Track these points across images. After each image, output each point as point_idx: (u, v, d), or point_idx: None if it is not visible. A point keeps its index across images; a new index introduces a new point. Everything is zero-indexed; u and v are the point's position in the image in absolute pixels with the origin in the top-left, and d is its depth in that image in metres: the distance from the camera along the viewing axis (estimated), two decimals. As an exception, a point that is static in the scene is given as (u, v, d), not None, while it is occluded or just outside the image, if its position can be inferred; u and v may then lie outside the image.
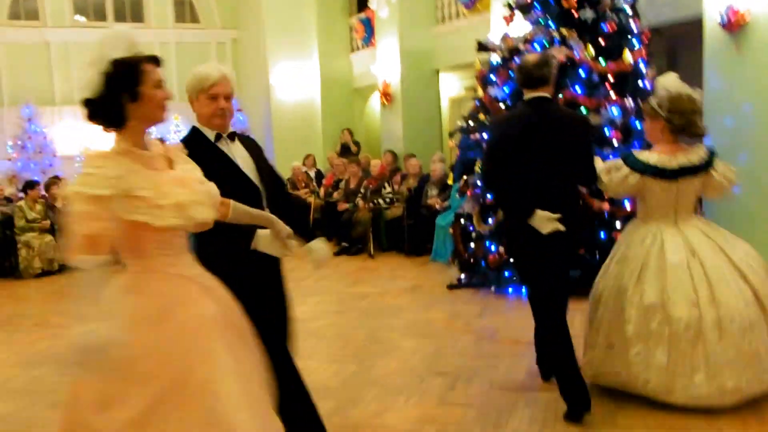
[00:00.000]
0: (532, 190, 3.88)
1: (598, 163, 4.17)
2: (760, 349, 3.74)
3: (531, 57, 4.04)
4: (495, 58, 7.11)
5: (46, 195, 10.52)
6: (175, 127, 13.97)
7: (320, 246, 3.30)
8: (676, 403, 3.71)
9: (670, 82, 4.05)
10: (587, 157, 4.02)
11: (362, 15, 13.39)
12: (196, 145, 2.92)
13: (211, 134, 3.08)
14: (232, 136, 3.15)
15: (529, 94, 3.93)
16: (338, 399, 4.30)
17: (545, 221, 3.76)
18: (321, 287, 7.78)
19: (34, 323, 7.00)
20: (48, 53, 13.97)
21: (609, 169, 4.07)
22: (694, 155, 3.92)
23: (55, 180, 10.82)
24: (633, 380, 3.85)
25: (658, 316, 3.77)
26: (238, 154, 3.11)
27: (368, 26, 13.13)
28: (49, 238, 9.80)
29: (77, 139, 13.18)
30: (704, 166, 3.91)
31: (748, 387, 3.70)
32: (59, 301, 8.08)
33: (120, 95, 2.27)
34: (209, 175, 2.49)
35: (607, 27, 6.68)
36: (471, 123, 7.09)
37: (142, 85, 2.29)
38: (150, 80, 2.32)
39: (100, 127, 2.34)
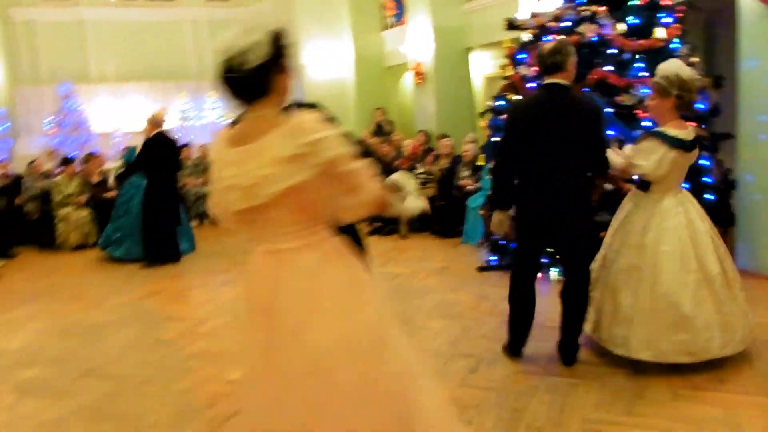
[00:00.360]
0: (536, 179, 4.16)
1: (614, 156, 4.28)
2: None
3: (547, 44, 4.24)
4: (525, 36, 7.02)
5: (82, 170, 10.71)
6: (211, 104, 14.10)
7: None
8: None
9: (676, 64, 4.27)
10: (598, 147, 4.14)
11: (393, -8, 13.32)
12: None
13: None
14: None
15: (546, 80, 4.18)
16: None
17: (497, 223, 4.36)
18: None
19: (70, 295, 7.17)
20: (83, 31, 14.18)
21: (637, 155, 4.16)
22: (692, 130, 4.19)
23: (91, 156, 11.00)
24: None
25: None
26: None
27: (399, 3, 13.04)
28: (85, 212, 9.99)
29: (112, 117, 13.43)
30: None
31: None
32: (94, 273, 8.31)
33: (275, 65, 2.26)
34: None
35: (638, 2, 6.52)
36: (501, 102, 7.01)
37: (287, 57, 2.31)
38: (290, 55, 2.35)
39: (240, 100, 2.31)
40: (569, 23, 6.53)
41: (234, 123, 2.56)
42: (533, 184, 4.22)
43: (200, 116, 14.06)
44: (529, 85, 6.68)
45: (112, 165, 11.74)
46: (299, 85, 13.90)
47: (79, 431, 3.78)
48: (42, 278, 8.21)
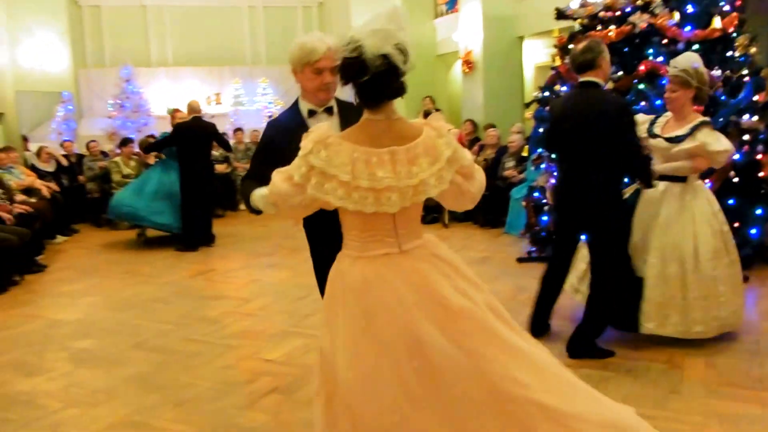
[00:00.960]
0: (564, 174, 4.45)
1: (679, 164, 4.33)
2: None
3: (579, 43, 4.44)
4: (575, 26, 6.98)
5: (140, 153, 11.05)
6: (262, 90, 14.32)
7: None
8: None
9: (693, 57, 4.45)
10: (627, 147, 4.13)
11: (446, -21, 13.30)
12: (291, 119, 3.04)
13: (305, 109, 3.04)
14: (330, 110, 3.06)
15: (579, 78, 4.28)
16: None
17: None
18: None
19: (123, 271, 7.49)
20: (145, 16, 14.55)
21: (714, 143, 4.29)
22: None
23: (149, 138, 11.34)
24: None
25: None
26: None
27: (452, -9, 13.05)
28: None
29: (169, 100, 13.75)
30: (688, 134, 4.35)
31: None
32: (147, 252, 8.64)
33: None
34: (294, 153, 2.36)
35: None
36: (548, 93, 7.01)
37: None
38: None
39: (376, 99, 2.27)
40: (620, 12, 6.46)
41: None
42: (562, 179, 4.44)
43: (252, 101, 14.29)
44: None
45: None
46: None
47: (129, 399, 4.00)
48: (98, 255, 8.60)
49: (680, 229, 4.32)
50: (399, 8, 2.29)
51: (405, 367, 2.22)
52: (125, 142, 10.77)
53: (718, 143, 4.28)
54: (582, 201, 4.27)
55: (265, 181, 2.52)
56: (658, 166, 4.29)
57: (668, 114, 4.53)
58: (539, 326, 4.67)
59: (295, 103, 3.12)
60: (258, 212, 2.74)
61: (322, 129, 2.26)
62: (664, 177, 4.35)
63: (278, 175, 2.35)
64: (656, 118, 4.60)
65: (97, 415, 3.79)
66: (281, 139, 2.94)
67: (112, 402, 3.97)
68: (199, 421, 3.67)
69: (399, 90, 2.27)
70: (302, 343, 4.87)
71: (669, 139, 4.34)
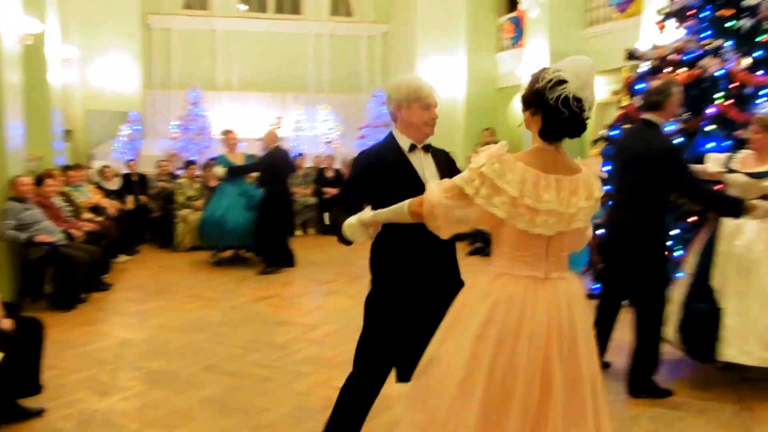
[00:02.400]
0: (608, 212, 4.80)
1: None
2: None
3: (655, 82, 4.71)
4: (644, 66, 6.98)
5: (202, 175, 11.25)
6: (323, 116, 14.51)
7: None
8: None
9: None
10: (685, 186, 4.46)
11: (512, 14, 13.40)
12: (388, 152, 3.17)
13: (406, 143, 3.18)
14: (427, 148, 3.23)
15: (642, 115, 4.63)
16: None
17: None
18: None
19: (188, 293, 7.61)
20: (213, 41, 14.93)
21: None
22: None
23: (212, 162, 11.55)
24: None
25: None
26: (427, 166, 3.17)
27: (518, 26, 13.12)
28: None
29: (232, 123, 13.97)
30: None
31: None
32: (209, 274, 8.77)
33: None
34: (392, 184, 2.86)
35: (765, 37, 6.39)
36: (615, 132, 6.99)
37: None
38: None
39: (563, 137, 2.44)
40: (691, 56, 6.48)
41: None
42: (610, 220, 4.79)
43: (312, 127, 14.50)
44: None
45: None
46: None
47: (206, 422, 4.08)
48: (161, 276, 8.72)
49: (763, 255, 4.46)
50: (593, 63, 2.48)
51: (532, 394, 2.30)
52: (189, 164, 10.96)
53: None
54: (625, 249, 4.53)
55: (354, 210, 2.73)
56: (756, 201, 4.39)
57: (745, 152, 4.77)
58: None
59: (391, 138, 3.24)
60: (349, 243, 2.86)
61: (496, 147, 2.40)
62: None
63: (439, 188, 2.46)
64: (732, 155, 4.82)
65: (175, 436, 3.87)
66: (378, 172, 3.12)
67: (190, 424, 4.06)
68: (278, 447, 3.71)
69: (580, 131, 2.42)
70: (371, 373, 4.88)
71: (751, 174, 4.52)
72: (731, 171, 4.65)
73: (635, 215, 4.40)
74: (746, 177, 4.53)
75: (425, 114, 3.15)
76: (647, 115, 4.50)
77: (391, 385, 3.30)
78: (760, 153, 4.63)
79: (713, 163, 4.82)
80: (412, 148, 3.18)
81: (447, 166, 3.25)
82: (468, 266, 3.26)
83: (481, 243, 9.73)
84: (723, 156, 4.91)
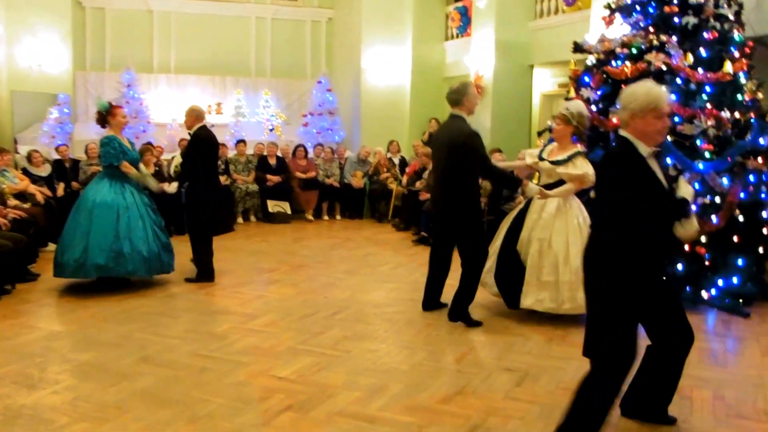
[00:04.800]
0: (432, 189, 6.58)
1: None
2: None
3: (453, 85, 5.88)
4: (591, 60, 7.04)
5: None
6: (264, 102, 14.20)
7: None
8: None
9: (579, 103, 5.87)
10: (480, 165, 5.76)
11: (459, 4, 13.40)
12: (629, 158, 3.28)
13: (646, 150, 3.31)
14: (657, 154, 3.37)
15: (450, 111, 5.86)
16: (407, 383, 4.42)
17: None
18: (397, 275, 7.88)
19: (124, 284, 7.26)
20: (150, 21, 14.39)
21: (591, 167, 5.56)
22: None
23: (149, 146, 11.21)
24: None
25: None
26: (657, 170, 3.34)
27: (465, 15, 13.12)
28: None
29: (169, 108, 13.60)
30: (566, 160, 5.66)
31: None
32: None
33: None
34: (639, 191, 3.18)
35: (708, 35, 6.52)
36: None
37: None
38: None
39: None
40: (636, 50, 6.55)
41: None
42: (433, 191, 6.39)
43: (254, 113, 14.18)
44: (592, 107, 6.70)
45: (168, 156, 11.97)
46: (356, 88, 14.02)
47: (140, 414, 3.90)
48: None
49: (557, 228, 5.66)
50: None
51: None
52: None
53: (591, 168, 5.47)
54: (438, 211, 5.98)
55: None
56: (558, 189, 5.64)
57: (554, 144, 5.83)
58: (430, 303, 6.17)
59: (630, 147, 3.32)
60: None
61: None
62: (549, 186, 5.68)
63: None
64: (545, 146, 6.00)
65: (107, 431, 3.69)
66: (629, 183, 3.25)
67: (123, 417, 3.87)
68: (216, 440, 3.57)
69: None
70: (313, 361, 4.79)
71: (552, 162, 5.69)
72: (541, 159, 5.79)
73: (454, 190, 5.66)
74: (549, 164, 5.70)
75: (659, 123, 3.30)
76: (454, 110, 5.76)
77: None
78: (560, 143, 5.74)
79: (529, 156, 6.01)
80: (652, 154, 3.35)
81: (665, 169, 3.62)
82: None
83: (426, 233, 9.69)
84: (536, 150, 6.06)
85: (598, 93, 6.73)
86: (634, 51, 6.51)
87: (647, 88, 3.29)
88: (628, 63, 6.54)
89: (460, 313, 5.78)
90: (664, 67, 6.31)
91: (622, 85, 6.53)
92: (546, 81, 12.18)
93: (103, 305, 6.36)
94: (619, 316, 3.27)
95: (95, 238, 6.61)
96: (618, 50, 6.67)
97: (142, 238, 6.78)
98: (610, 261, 3.25)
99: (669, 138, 6.13)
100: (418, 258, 8.67)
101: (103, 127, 7.11)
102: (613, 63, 6.66)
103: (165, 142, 12.82)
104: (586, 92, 6.73)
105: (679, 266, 6.13)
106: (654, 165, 3.31)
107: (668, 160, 5.94)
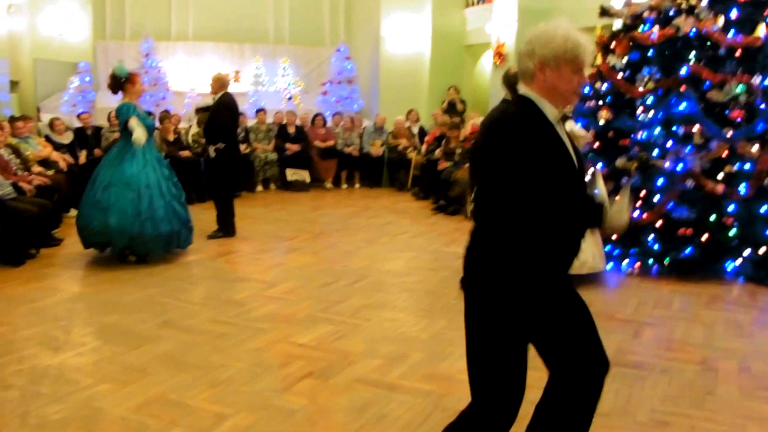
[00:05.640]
0: None
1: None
2: None
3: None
4: (617, 25, 6.89)
5: (159, 128, 10.92)
6: (283, 70, 14.12)
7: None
8: None
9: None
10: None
11: (481, -32, 13.15)
12: (532, 121, 2.38)
13: (553, 113, 2.44)
14: (565, 118, 2.56)
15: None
16: (428, 351, 4.40)
17: None
18: (416, 244, 7.85)
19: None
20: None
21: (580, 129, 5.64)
22: None
23: (167, 114, 11.19)
24: None
25: None
26: (565, 138, 2.48)
27: (486, -20, 12.89)
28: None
29: (187, 76, 13.57)
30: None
31: None
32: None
33: None
34: (543, 160, 2.24)
35: (741, -2, 6.33)
36: (585, 90, 6.92)
37: None
38: None
39: None
40: (665, 14, 6.40)
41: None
42: None
43: (272, 81, 14.10)
44: (618, 74, 6.58)
45: (185, 125, 11.97)
46: (375, 56, 13.86)
47: (161, 377, 3.92)
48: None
49: None
50: None
51: None
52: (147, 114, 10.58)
53: (581, 130, 5.40)
54: None
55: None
56: None
57: None
58: None
59: (532, 108, 2.42)
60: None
61: None
62: None
63: None
64: None
65: (130, 392, 3.71)
66: (528, 149, 2.32)
67: (145, 379, 3.90)
68: (236, 403, 3.59)
69: None
70: (332, 329, 4.79)
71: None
72: None
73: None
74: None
75: (575, 79, 2.45)
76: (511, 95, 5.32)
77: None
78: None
79: None
80: (565, 119, 2.53)
81: (570, 139, 2.59)
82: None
83: (444, 201, 9.65)
84: None
85: (624, 60, 6.59)
86: (662, 15, 6.35)
87: (564, 30, 2.45)
88: (656, 28, 6.38)
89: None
90: (693, 33, 6.15)
91: (650, 51, 6.42)
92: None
93: (125, 270, 6.41)
94: (503, 336, 2.47)
95: (115, 217, 6.40)
96: (646, 14, 6.52)
97: (163, 218, 6.60)
98: (495, 258, 2.41)
99: (698, 105, 6.02)
100: (437, 227, 8.63)
101: (115, 93, 6.90)
102: (641, 28, 6.51)
103: (183, 110, 12.81)
104: (612, 59, 6.60)
105: (705, 236, 6.04)
106: (563, 134, 2.46)
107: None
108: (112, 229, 6.42)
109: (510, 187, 2.30)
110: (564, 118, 2.53)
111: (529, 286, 2.39)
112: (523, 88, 2.45)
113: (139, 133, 6.59)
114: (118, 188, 6.48)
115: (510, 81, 5.21)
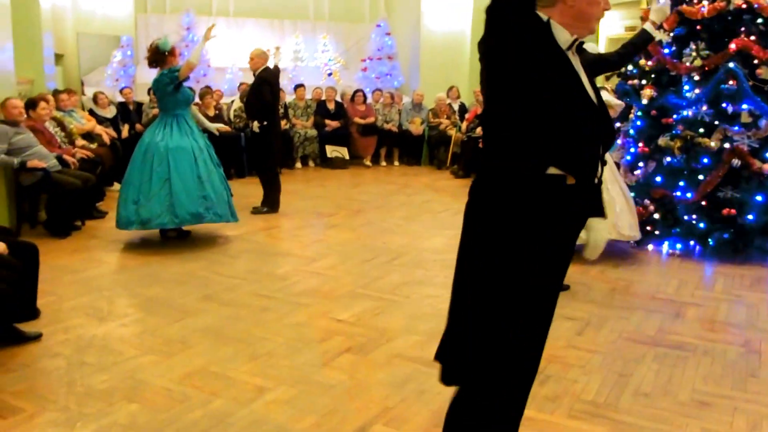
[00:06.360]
0: None
1: None
2: None
3: None
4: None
5: (200, 103, 11.00)
6: (322, 46, 14.08)
7: None
8: None
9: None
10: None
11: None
12: (542, 44, 2.18)
13: (566, 39, 2.23)
14: (579, 47, 2.36)
15: None
16: (466, 328, 4.39)
17: None
18: (456, 221, 7.74)
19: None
20: (210, -39, 14.29)
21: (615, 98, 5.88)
22: None
23: (208, 90, 11.27)
24: None
25: None
26: (578, 67, 2.28)
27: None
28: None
29: (228, 52, 13.58)
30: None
31: None
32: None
33: None
34: (550, 86, 2.09)
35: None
36: (629, 67, 6.77)
37: None
38: None
39: None
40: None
41: None
42: None
43: (312, 57, 14.08)
44: (665, 50, 6.43)
45: (227, 100, 12.04)
46: (416, 32, 13.73)
47: (203, 349, 3.99)
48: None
49: None
50: None
51: None
52: (186, 90, 10.66)
53: (616, 100, 5.53)
54: None
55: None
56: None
57: None
58: None
59: (545, 31, 2.21)
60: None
61: None
62: None
63: None
64: None
65: (173, 364, 3.78)
66: (531, 71, 2.15)
67: (187, 351, 3.96)
68: (277, 376, 3.63)
69: None
70: (372, 305, 4.81)
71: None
72: None
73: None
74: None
75: (599, 5, 2.28)
76: None
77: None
78: None
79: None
80: (570, 45, 2.27)
81: (587, 67, 2.43)
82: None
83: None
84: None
85: (672, 34, 6.43)
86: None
87: None
88: (705, 2, 6.22)
89: None
90: (744, 6, 5.98)
91: (698, 27, 6.26)
92: (614, 24, 11.72)
93: (167, 243, 6.54)
94: (519, 299, 2.21)
95: (179, 185, 6.22)
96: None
97: (219, 182, 6.53)
98: (505, 203, 2.20)
99: (747, 82, 5.86)
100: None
101: (153, 66, 6.83)
102: (688, 2, 6.35)
103: (225, 86, 12.86)
104: (658, 34, 6.44)
105: (751, 216, 5.92)
106: (577, 64, 2.26)
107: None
108: (176, 195, 6.16)
109: (518, 100, 2.13)
110: (579, 50, 2.34)
111: (550, 237, 2.19)
112: (539, 12, 2.21)
113: (206, 123, 7.16)
114: (176, 154, 6.30)
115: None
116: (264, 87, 7.90)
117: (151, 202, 6.16)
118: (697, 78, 6.23)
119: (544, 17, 2.20)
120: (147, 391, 3.45)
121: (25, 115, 6.85)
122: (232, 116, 11.40)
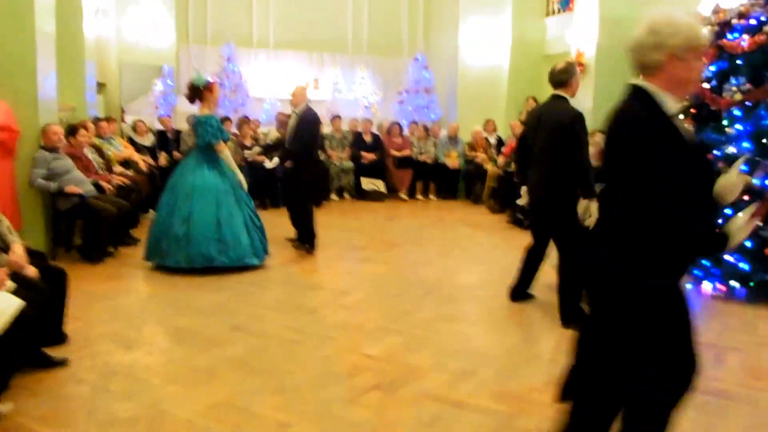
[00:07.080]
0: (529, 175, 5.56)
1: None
2: None
3: (558, 64, 5.32)
4: (704, 32, 6.61)
5: (237, 134, 11.11)
6: (360, 79, 14.16)
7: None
8: None
9: None
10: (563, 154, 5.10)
11: (562, -24, 12.89)
12: (654, 121, 2.28)
13: (674, 106, 2.33)
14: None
15: (552, 92, 5.30)
16: (497, 368, 4.27)
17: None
18: (490, 257, 7.71)
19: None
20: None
21: None
22: None
23: (246, 120, 11.36)
24: None
25: None
26: (687, 134, 2.33)
27: (567, -12, 12.63)
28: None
29: (266, 82, 13.74)
30: None
31: None
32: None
33: None
34: (674, 163, 2.17)
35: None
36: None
37: None
38: None
39: None
40: (755, 21, 6.11)
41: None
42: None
43: (350, 90, 14.16)
44: (705, 84, 6.31)
45: (264, 129, 12.14)
46: (454, 65, 13.73)
47: (229, 381, 3.93)
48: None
49: None
50: None
51: None
52: (222, 121, 10.78)
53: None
54: (533, 198, 5.42)
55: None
56: None
57: None
58: (519, 293, 5.75)
59: (645, 99, 2.33)
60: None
61: None
62: None
63: None
64: None
65: (197, 395, 3.73)
66: (654, 146, 2.24)
67: (213, 382, 3.90)
68: (302, 411, 3.55)
69: None
70: (402, 341, 4.71)
71: None
72: None
73: (554, 173, 5.12)
74: None
75: (698, 67, 2.38)
76: (557, 91, 5.23)
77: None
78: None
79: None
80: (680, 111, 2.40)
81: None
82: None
83: (522, 216, 9.45)
84: None
85: (712, 69, 6.30)
86: (752, 22, 6.06)
87: (683, 16, 2.33)
88: (745, 35, 6.10)
89: (569, 312, 5.09)
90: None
91: (738, 61, 6.13)
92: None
93: (198, 273, 6.46)
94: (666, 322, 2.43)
95: (197, 227, 6.38)
96: (734, 21, 6.23)
97: (241, 224, 6.58)
98: (653, 270, 2.32)
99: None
100: (512, 241, 8.45)
101: (193, 102, 6.83)
102: (729, 36, 6.23)
103: (263, 116, 12.98)
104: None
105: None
106: (681, 127, 2.31)
107: None
108: (194, 234, 6.36)
109: (657, 186, 2.23)
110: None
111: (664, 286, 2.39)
112: (640, 82, 2.37)
113: (230, 159, 6.85)
114: (199, 193, 6.47)
115: (555, 79, 5.23)
116: (305, 126, 7.59)
117: (169, 239, 6.41)
118: (737, 113, 6.09)
119: (647, 87, 2.34)
120: (169, 421, 3.40)
121: (65, 141, 6.96)
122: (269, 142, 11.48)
